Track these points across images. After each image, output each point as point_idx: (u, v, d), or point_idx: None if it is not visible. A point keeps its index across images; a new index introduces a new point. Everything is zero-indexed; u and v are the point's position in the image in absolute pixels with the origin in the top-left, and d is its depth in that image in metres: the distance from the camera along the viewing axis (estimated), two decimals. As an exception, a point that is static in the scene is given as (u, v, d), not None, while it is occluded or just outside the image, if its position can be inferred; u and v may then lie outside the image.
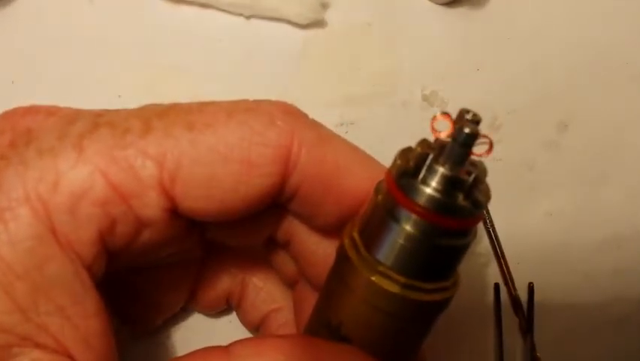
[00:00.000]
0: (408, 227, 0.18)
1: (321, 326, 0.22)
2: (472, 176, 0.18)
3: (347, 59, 0.38)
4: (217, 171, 0.21)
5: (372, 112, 0.37)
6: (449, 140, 0.18)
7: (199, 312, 0.32)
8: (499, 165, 0.37)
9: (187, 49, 0.38)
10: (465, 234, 0.19)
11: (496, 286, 0.34)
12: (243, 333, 0.32)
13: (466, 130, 0.18)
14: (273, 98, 0.36)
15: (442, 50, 0.39)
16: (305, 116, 0.23)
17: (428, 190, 0.18)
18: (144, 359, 0.32)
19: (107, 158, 0.20)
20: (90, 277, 0.21)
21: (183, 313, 0.32)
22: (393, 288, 0.19)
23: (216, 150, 0.21)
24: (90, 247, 0.20)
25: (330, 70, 0.38)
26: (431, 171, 0.18)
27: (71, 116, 0.22)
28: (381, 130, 0.37)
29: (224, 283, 0.30)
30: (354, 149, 0.24)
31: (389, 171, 0.19)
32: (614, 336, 0.36)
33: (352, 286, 0.20)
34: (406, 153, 0.20)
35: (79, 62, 0.37)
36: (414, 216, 0.18)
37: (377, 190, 0.20)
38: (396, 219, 0.19)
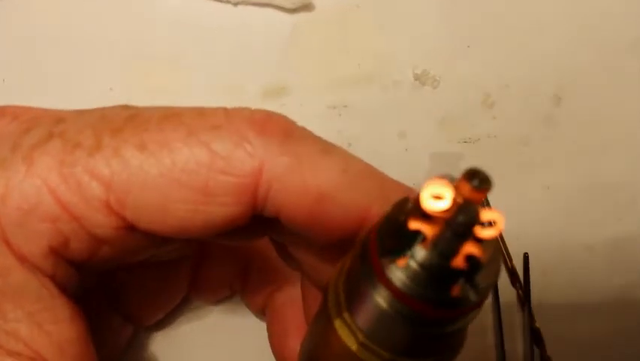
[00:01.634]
0: (383, 303, 0.16)
1: None
2: (469, 265, 0.15)
3: (336, 41, 0.38)
4: (170, 197, 0.19)
5: (364, 94, 0.37)
6: (445, 217, 0.15)
7: (203, 302, 0.33)
8: (494, 141, 0.37)
9: (176, 38, 0.37)
10: (453, 322, 0.16)
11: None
12: (246, 321, 0.32)
13: (461, 218, 0.14)
14: (264, 84, 0.37)
15: (432, 28, 0.39)
16: (286, 133, 0.20)
17: (401, 275, 0.15)
18: (148, 352, 0.32)
19: (55, 174, 0.19)
20: (55, 285, 0.20)
21: (186, 303, 0.32)
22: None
23: (169, 175, 0.19)
24: (44, 259, 0.20)
25: (321, 53, 0.38)
26: (417, 252, 0.15)
27: (31, 122, 0.21)
28: (374, 111, 0.37)
29: (226, 270, 0.30)
30: (344, 168, 0.20)
31: (373, 228, 0.17)
32: (615, 308, 0.36)
33: (333, 345, 0.18)
34: (399, 206, 0.16)
35: (69, 56, 0.37)
36: (390, 295, 0.16)
37: (362, 248, 0.17)
38: (377, 291, 0.16)
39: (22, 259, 0.19)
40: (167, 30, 0.37)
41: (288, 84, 0.37)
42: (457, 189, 0.15)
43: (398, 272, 0.15)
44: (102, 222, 0.20)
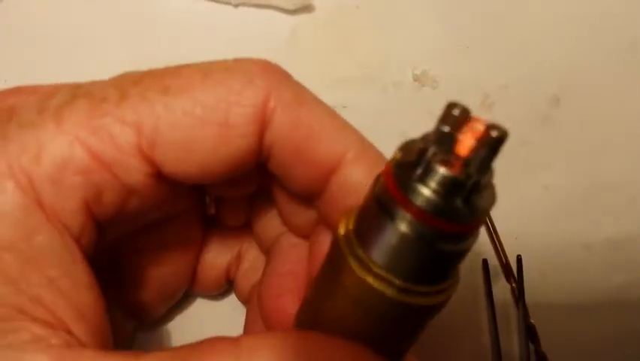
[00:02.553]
0: (403, 227, 0.17)
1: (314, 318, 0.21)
2: (475, 179, 0.17)
3: (336, 42, 0.38)
4: (195, 134, 0.21)
5: (363, 95, 0.37)
6: (451, 134, 0.17)
7: (202, 295, 0.33)
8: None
9: (176, 39, 0.38)
10: (465, 238, 0.18)
11: (484, 261, 0.34)
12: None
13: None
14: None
15: (431, 29, 0.39)
16: (286, 75, 0.23)
17: (426, 191, 0.17)
18: (151, 349, 0.32)
19: (85, 127, 0.20)
20: (80, 249, 0.21)
21: (187, 299, 0.32)
22: (388, 291, 0.18)
23: (193, 112, 0.21)
24: (76, 215, 0.20)
25: (320, 54, 0.38)
26: (432, 169, 0.17)
27: (51, 92, 0.22)
28: (374, 112, 0.37)
29: (223, 259, 0.31)
30: (333, 115, 0.23)
31: (387, 164, 0.18)
32: (613, 308, 0.36)
33: (345, 283, 0.19)
34: (408, 145, 0.18)
35: (70, 56, 0.37)
36: (409, 217, 0.17)
37: (375, 182, 0.19)
38: (392, 218, 0.17)
39: (52, 218, 0.20)
40: (168, 31, 0.38)
41: (288, 85, 0.37)
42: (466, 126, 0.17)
43: (421, 194, 0.17)
44: (135, 168, 0.21)
